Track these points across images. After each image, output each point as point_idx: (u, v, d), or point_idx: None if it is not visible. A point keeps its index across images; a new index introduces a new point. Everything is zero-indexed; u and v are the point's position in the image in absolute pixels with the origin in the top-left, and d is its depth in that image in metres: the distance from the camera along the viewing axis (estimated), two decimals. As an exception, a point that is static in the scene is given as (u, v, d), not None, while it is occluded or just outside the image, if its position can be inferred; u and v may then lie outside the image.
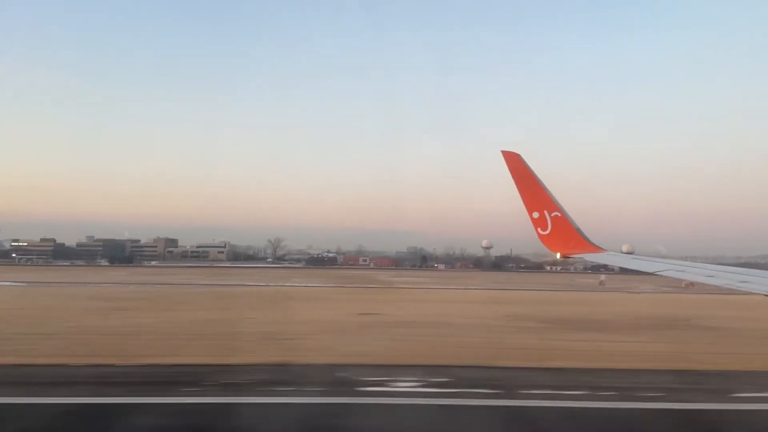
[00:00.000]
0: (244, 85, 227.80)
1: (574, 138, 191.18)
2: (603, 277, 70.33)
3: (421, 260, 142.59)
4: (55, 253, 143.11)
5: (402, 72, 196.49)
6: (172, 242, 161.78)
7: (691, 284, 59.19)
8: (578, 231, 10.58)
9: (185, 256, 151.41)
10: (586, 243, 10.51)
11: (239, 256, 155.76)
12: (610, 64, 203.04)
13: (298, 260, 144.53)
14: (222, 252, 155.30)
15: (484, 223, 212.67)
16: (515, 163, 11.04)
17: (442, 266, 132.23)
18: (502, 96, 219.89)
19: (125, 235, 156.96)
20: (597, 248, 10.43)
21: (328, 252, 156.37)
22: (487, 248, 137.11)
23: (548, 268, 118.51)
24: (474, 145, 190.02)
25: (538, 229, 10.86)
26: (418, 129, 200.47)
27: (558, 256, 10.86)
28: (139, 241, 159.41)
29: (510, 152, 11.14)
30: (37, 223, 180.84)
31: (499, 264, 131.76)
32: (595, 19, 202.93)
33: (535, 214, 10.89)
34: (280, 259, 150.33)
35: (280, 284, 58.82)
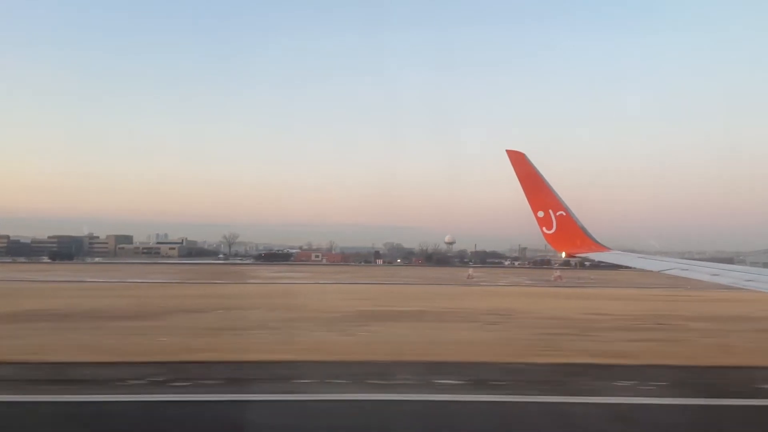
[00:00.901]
0: (244, 85, 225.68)
1: (569, 136, 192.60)
2: (471, 271, 69.98)
3: (374, 255, 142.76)
4: (9, 250, 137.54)
5: (399, 70, 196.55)
6: (126, 239, 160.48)
7: (559, 277, 62.09)
8: (583, 230, 10.72)
9: (137, 252, 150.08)
10: (591, 242, 10.66)
11: (194, 252, 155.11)
12: (609, 63, 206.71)
13: (257, 256, 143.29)
14: (174, 249, 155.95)
15: (482, 219, 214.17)
16: (520, 163, 11.10)
17: (380, 261, 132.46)
18: (500, 94, 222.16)
19: (84, 231, 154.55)
20: (602, 247, 10.61)
21: (300, 247, 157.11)
22: (450, 243, 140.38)
23: (506, 262, 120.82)
24: (470, 141, 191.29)
25: (543, 229, 10.96)
26: (411, 125, 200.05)
27: (563, 255, 11.00)
28: (98, 237, 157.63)
29: (515, 151, 11.19)
30: (39, 219, 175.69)
31: (444, 259, 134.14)
32: (595, 18, 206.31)
33: (540, 214, 10.98)
34: (235, 255, 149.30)
35: (115, 281, 52.40)
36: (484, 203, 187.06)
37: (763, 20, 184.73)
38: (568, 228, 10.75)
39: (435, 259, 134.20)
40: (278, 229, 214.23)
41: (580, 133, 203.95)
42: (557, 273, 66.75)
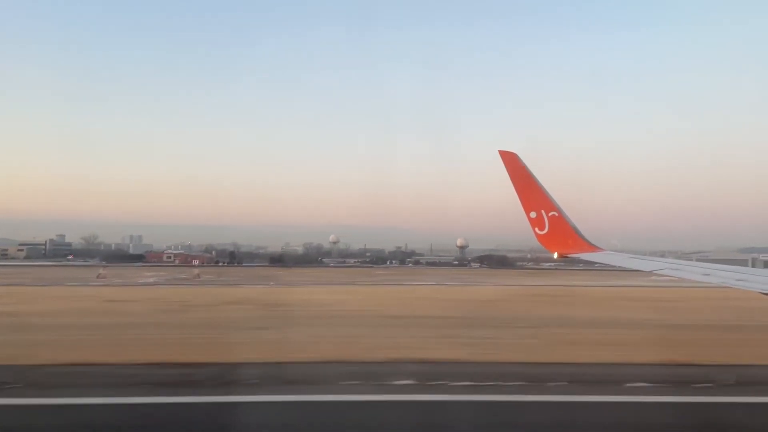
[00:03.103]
0: (231, 84, 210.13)
1: (561, 136, 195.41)
2: (102, 270, 65.70)
3: (230, 257, 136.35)
4: None
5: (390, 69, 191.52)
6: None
7: (197, 276, 62.44)
8: (575, 230, 10.89)
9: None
10: (583, 242, 10.86)
11: (58, 253, 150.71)
12: (600, 63, 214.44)
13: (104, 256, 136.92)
14: (22, 250, 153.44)
15: (472, 219, 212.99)
16: (512, 163, 11.04)
17: (196, 262, 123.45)
18: (491, 94, 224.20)
19: None
20: (594, 247, 10.84)
21: (205, 248, 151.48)
22: (334, 243, 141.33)
23: (388, 262, 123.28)
24: (461, 141, 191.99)
25: (536, 229, 10.98)
26: (402, 126, 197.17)
27: (555, 255, 11.08)
28: None
29: (507, 152, 11.11)
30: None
31: (312, 259, 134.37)
32: (590, 17, 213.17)
33: (533, 214, 10.99)
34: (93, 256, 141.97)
35: None
36: (475, 203, 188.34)
37: (747, 20, 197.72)
38: (560, 229, 10.86)
39: (284, 259, 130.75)
40: (249, 231, 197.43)
41: (570, 133, 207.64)
42: (196, 272, 67.92)
